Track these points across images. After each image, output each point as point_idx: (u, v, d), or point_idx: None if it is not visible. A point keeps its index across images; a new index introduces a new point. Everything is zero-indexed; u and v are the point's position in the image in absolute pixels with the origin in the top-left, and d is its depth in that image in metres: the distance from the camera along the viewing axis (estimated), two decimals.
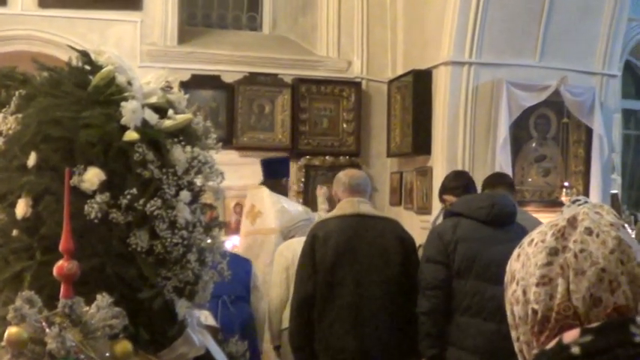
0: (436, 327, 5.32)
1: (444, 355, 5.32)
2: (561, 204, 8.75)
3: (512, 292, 1.80)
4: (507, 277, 1.83)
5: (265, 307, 6.55)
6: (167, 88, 3.64)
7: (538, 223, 6.44)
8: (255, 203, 7.91)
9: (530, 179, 9.53)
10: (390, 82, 10.21)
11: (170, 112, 3.42)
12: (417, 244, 6.02)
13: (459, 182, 6.45)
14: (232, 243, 8.52)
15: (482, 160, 9.07)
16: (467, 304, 5.29)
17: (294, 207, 7.92)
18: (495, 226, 5.44)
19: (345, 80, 10.41)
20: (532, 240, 1.79)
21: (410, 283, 5.49)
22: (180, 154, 3.27)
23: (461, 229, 5.39)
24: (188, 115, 3.47)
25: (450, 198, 6.22)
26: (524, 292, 1.74)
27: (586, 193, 9.53)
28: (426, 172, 9.32)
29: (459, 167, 8.85)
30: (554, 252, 1.71)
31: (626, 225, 5.62)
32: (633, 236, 5.97)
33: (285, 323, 6.15)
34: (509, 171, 8.84)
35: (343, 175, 5.97)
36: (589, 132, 9.62)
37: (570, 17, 9.45)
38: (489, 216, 5.42)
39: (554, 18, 9.33)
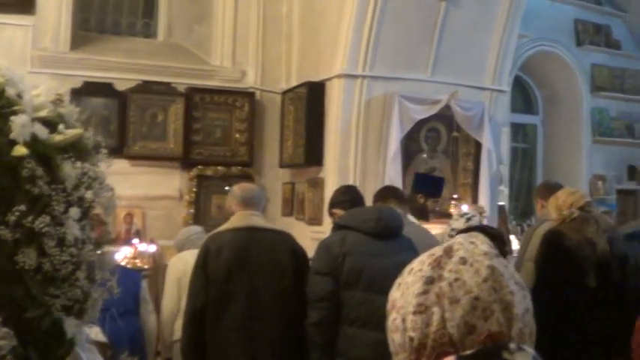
0: (324, 338, 5.38)
1: None
2: (449, 216, 8.93)
3: (392, 320, 1.86)
4: (388, 306, 1.88)
5: (155, 320, 6.54)
6: (58, 101, 3.59)
7: (426, 234, 6.60)
8: None
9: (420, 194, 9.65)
10: (284, 93, 10.27)
11: (61, 126, 3.38)
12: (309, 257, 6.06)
13: (347, 196, 6.52)
14: (123, 254, 8.48)
15: (374, 171, 9.17)
16: (355, 316, 5.36)
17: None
18: (382, 239, 5.55)
19: (238, 90, 10.42)
20: (411, 269, 1.85)
21: (302, 295, 5.53)
22: (70, 169, 3.23)
23: (349, 241, 5.47)
24: (78, 130, 3.44)
25: (338, 211, 6.28)
26: (403, 320, 1.80)
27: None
28: (317, 184, 9.38)
29: (351, 178, 8.95)
30: (430, 281, 1.77)
31: (513, 236, 5.79)
32: (518, 246, 6.14)
33: (177, 335, 6.14)
34: (399, 183, 8.97)
35: (237, 189, 6.02)
36: (478, 145, 9.83)
37: (462, 33, 9.65)
38: (376, 229, 5.52)
39: (447, 33, 9.52)
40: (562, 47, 13.95)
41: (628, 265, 6.16)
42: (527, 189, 14.63)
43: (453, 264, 1.77)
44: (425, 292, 1.77)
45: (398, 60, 9.32)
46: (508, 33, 10.07)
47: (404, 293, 1.83)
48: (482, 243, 1.84)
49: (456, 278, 1.75)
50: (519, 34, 11.07)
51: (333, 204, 6.53)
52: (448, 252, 1.81)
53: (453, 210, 9.47)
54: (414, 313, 1.77)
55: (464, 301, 1.72)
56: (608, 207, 14.22)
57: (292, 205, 10.19)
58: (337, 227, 5.71)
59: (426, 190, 8.67)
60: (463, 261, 1.77)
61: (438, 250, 1.83)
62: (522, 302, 1.79)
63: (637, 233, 7.08)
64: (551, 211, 6.21)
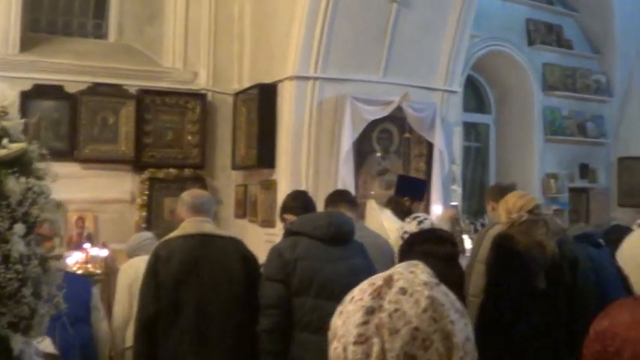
0: (276, 344, 5.35)
1: None
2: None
3: (333, 348, 1.85)
4: (330, 334, 1.88)
5: (106, 327, 6.49)
6: (2, 114, 3.55)
7: (377, 238, 6.60)
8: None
9: (373, 192, 9.68)
10: (236, 94, 10.25)
11: (5, 140, 3.35)
12: (261, 262, 6.04)
13: (298, 202, 6.51)
14: (75, 259, 8.42)
15: (326, 173, 9.18)
16: (306, 321, 5.33)
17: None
18: (334, 244, 5.54)
19: (190, 92, 10.37)
20: (352, 297, 1.85)
21: (254, 301, 5.50)
22: (14, 185, 3.20)
23: (300, 247, 5.44)
24: (23, 145, 3.40)
25: (289, 217, 6.27)
26: (344, 349, 1.79)
27: (427, 206, 9.75)
28: (270, 186, 9.37)
29: (303, 180, 8.96)
30: (370, 311, 1.77)
31: (466, 235, 5.78)
32: (470, 246, 6.16)
33: (129, 342, 6.10)
34: (351, 184, 9.01)
35: (186, 195, 5.98)
36: (430, 146, 9.89)
37: (414, 34, 9.68)
38: (327, 234, 5.50)
39: (399, 35, 9.54)
40: (514, 47, 14.05)
41: (578, 266, 6.21)
42: (480, 188, 14.72)
43: (392, 294, 1.77)
44: (365, 323, 1.76)
45: (350, 61, 9.34)
46: (460, 34, 10.13)
47: (345, 322, 1.82)
48: (422, 272, 1.84)
49: (395, 309, 1.75)
50: (471, 34, 11.14)
51: (285, 209, 6.52)
52: (388, 282, 1.81)
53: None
54: (355, 343, 1.76)
55: (403, 331, 1.72)
56: (561, 205, 14.36)
57: (245, 208, 10.17)
58: (288, 233, 5.69)
59: (410, 192, 8.68)
60: (403, 291, 1.77)
61: (378, 280, 1.83)
62: (463, 331, 1.79)
63: (586, 235, 7.16)
64: (501, 215, 6.23)
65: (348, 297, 1.88)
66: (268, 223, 9.37)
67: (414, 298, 1.76)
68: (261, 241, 9.12)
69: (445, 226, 8.60)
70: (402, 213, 7.90)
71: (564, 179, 14.76)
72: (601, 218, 15.23)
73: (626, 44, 15.13)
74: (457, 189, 12.44)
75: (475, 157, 14.95)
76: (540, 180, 14.46)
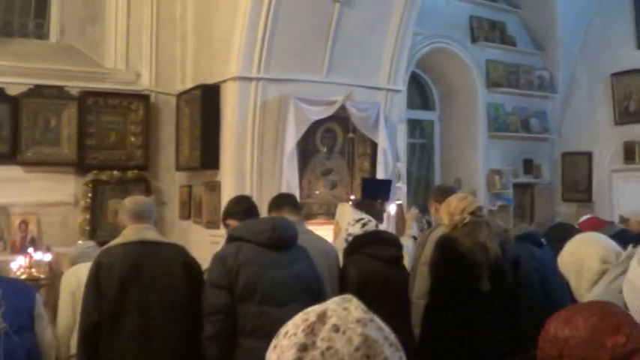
0: (221, 351, 5.33)
1: None
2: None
3: None
4: None
5: (51, 334, 6.42)
6: None
7: (321, 242, 6.60)
8: (338, 219, 7.95)
9: (317, 192, 9.71)
10: (179, 95, 10.18)
11: None
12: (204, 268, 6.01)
13: (241, 206, 6.48)
14: (18, 263, 8.34)
15: (270, 173, 9.18)
16: (251, 328, 5.32)
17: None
18: (277, 250, 5.52)
19: (133, 93, 10.26)
20: (287, 332, 1.84)
21: (197, 308, 5.48)
22: None
23: (243, 253, 5.43)
24: None
25: (232, 222, 6.24)
26: None
27: None
28: (214, 187, 9.35)
29: (247, 181, 8.96)
30: (303, 348, 1.77)
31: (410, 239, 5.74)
32: (411, 244, 6.16)
33: (73, 350, 6.05)
34: (295, 184, 9.03)
35: (128, 202, 5.94)
36: (374, 145, 9.91)
37: (357, 34, 9.70)
38: (271, 240, 5.49)
39: (341, 34, 9.55)
40: (457, 44, 14.15)
41: (520, 267, 6.27)
42: (425, 184, 14.82)
43: (325, 332, 1.76)
44: None
45: (293, 62, 9.33)
46: (403, 32, 10.16)
47: (279, 358, 1.82)
48: (356, 308, 1.83)
49: (328, 347, 1.74)
50: (415, 31, 11.20)
51: (227, 215, 6.48)
52: (322, 318, 1.80)
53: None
54: None
55: None
56: (505, 201, 14.50)
57: (190, 209, 10.13)
58: (231, 239, 5.67)
59: (376, 193, 8.68)
60: (336, 329, 1.76)
61: (312, 315, 1.82)
62: None
63: (529, 234, 7.23)
64: (443, 217, 6.27)
65: (282, 330, 1.87)
66: (213, 225, 9.33)
67: (346, 336, 1.75)
68: (206, 242, 9.11)
69: (413, 226, 8.67)
70: (377, 215, 7.95)
71: (509, 175, 14.90)
72: (546, 213, 15.41)
73: (568, 41, 15.30)
74: (402, 186, 12.50)
75: (420, 153, 15.03)
76: (485, 176, 14.59)
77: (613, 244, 4.47)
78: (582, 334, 2.43)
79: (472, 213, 6.11)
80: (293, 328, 1.83)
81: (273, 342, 1.88)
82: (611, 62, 14.63)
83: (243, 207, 6.47)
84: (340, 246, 6.94)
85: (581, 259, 4.37)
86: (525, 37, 15.45)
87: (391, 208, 9.93)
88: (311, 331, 1.78)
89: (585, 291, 4.26)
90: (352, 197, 9.68)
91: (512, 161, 15.11)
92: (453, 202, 6.22)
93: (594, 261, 4.29)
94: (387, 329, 1.85)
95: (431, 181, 15.00)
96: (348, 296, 1.89)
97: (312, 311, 1.84)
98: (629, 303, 3.26)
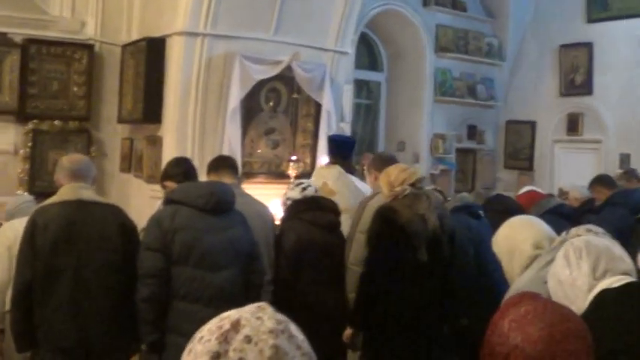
0: (155, 314, 5.33)
1: (164, 340, 5.34)
2: (288, 177, 8.98)
3: None
4: None
5: None
6: None
7: (258, 206, 6.61)
8: (327, 181, 7.86)
9: (259, 151, 9.67)
10: (124, 46, 10.02)
11: None
12: (140, 228, 5.97)
13: (179, 168, 6.43)
14: None
15: (213, 130, 9.11)
16: (185, 291, 5.33)
17: (364, 187, 7.99)
18: (214, 214, 5.52)
19: (77, 42, 10.02)
20: (202, 337, 1.83)
21: (132, 270, 5.45)
22: None
23: (179, 217, 5.42)
24: None
25: (170, 184, 6.21)
26: None
27: (313, 166, 9.79)
28: (156, 141, 9.25)
29: (189, 137, 8.92)
30: (216, 356, 1.76)
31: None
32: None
33: (8, 305, 5.99)
34: (238, 142, 9.01)
35: (65, 161, 5.85)
36: (318, 106, 9.88)
37: None
38: (208, 205, 5.48)
39: None
40: (408, 7, 14.13)
41: (456, 240, 6.32)
42: (369, 145, 14.85)
43: (238, 342, 1.76)
44: None
45: (241, 19, 9.20)
46: None
47: None
48: (270, 318, 1.83)
49: (239, 358, 1.74)
50: None
51: (166, 176, 6.43)
52: (235, 326, 1.80)
53: (291, 170, 9.53)
54: None
55: None
56: (448, 165, 14.59)
57: (130, 162, 10.03)
58: (168, 201, 5.64)
59: (341, 152, 8.58)
60: (248, 339, 1.76)
61: (226, 322, 1.82)
62: None
63: (467, 206, 7.30)
64: (383, 187, 6.28)
65: (197, 335, 1.86)
66: (153, 179, 9.20)
67: (258, 348, 1.75)
68: (146, 196, 9.06)
69: None
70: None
71: (452, 140, 15.00)
72: (487, 179, 15.58)
73: (519, 10, 15.39)
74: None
75: (365, 114, 15.06)
76: (429, 140, 14.65)
77: (548, 230, 4.51)
78: (533, 348, 2.43)
79: (412, 184, 6.13)
80: (207, 334, 1.83)
81: (189, 346, 1.88)
82: (561, 34, 14.72)
83: (181, 169, 6.42)
84: (284, 205, 6.97)
85: (515, 242, 4.40)
86: (477, 4, 15.47)
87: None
88: (224, 339, 1.78)
89: (517, 275, 4.30)
90: (294, 158, 9.67)
91: (456, 126, 15.19)
92: (394, 172, 6.22)
93: (527, 245, 4.32)
94: (300, 337, 1.86)
95: (375, 142, 15.06)
96: (262, 304, 1.90)
97: (227, 317, 1.84)
98: (553, 296, 3.29)
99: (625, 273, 3.19)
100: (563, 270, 3.24)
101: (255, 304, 1.89)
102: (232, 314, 1.85)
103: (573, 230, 4.81)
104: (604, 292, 3.07)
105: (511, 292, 4.12)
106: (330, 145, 8.79)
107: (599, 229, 4.80)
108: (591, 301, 3.07)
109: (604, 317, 2.97)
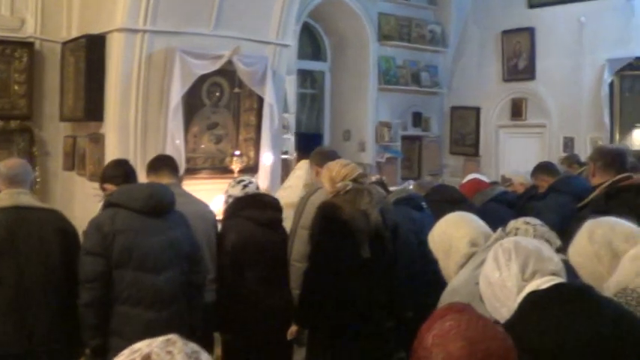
0: (97, 318, 5.31)
1: (108, 344, 5.32)
2: (232, 172, 8.98)
3: None
4: None
5: None
6: None
7: (199, 205, 6.63)
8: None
9: (202, 146, 9.65)
10: (65, 44, 9.92)
11: None
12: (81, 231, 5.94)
13: (118, 171, 6.34)
14: None
15: (155, 127, 9.08)
16: (126, 295, 5.33)
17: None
18: (154, 216, 5.51)
19: (17, 40, 9.85)
20: None
21: (73, 275, 5.43)
22: None
23: (119, 220, 5.39)
24: None
25: (110, 187, 6.15)
26: None
27: (257, 160, 9.80)
28: (98, 139, 9.18)
29: (132, 134, 8.89)
30: None
31: None
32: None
33: None
34: (180, 138, 9.00)
35: (1, 166, 5.79)
36: (260, 100, 9.87)
37: None
38: (147, 207, 5.47)
39: None
40: None
41: (399, 234, 6.36)
42: (315, 135, 14.86)
43: None
44: None
45: (180, 14, 9.15)
46: None
47: None
48: (179, 352, 1.84)
49: None
50: None
51: (105, 179, 6.33)
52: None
53: (234, 165, 9.54)
54: None
55: None
56: (393, 153, 14.65)
57: (74, 160, 9.94)
58: (108, 205, 5.62)
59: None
60: None
61: (137, 356, 1.82)
62: None
63: (409, 197, 7.36)
64: (324, 182, 6.29)
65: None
66: (97, 177, 9.03)
67: None
68: (90, 194, 8.98)
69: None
70: None
71: (397, 128, 15.08)
72: (433, 166, 15.69)
73: None
74: (290, 137, 12.57)
75: (310, 103, 15.10)
76: (374, 128, 14.71)
77: (483, 227, 4.52)
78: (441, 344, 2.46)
79: (354, 180, 6.15)
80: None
81: None
82: (503, 19, 14.84)
83: (120, 171, 6.35)
84: (225, 202, 6.99)
85: (451, 240, 4.41)
86: None
87: (266, 159, 9.93)
88: None
89: (453, 272, 4.32)
90: (237, 153, 9.67)
91: (401, 114, 15.27)
92: (335, 168, 6.24)
93: (463, 243, 4.33)
94: None
95: (321, 132, 15.09)
96: (173, 338, 1.90)
97: (138, 351, 1.84)
98: (484, 298, 3.33)
99: (554, 273, 3.22)
100: (492, 272, 3.28)
101: (166, 337, 1.89)
102: (143, 348, 1.85)
103: (512, 223, 4.89)
104: (532, 294, 3.11)
105: (447, 292, 4.17)
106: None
107: (537, 221, 4.87)
108: (520, 303, 3.11)
109: (532, 319, 3.01)
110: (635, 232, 3.72)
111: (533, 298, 3.08)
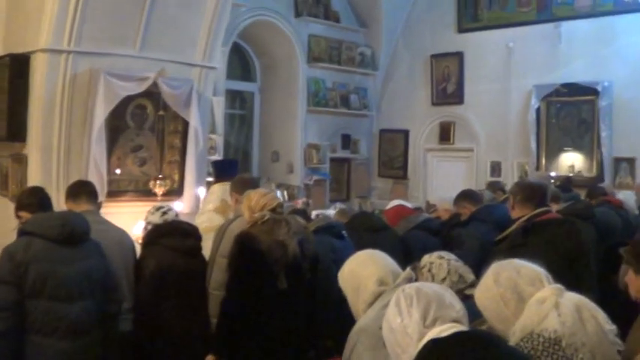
0: (10, 348, 5.20)
1: None
2: (155, 194, 8.92)
3: None
4: None
5: None
6: None
7: (116, 233, 6.59)
8: (225, 198, 7.91)
9: (126, 168, 9.56)
10: None
11: None
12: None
13: (33, 199, 6.27)
14: None
15: (78, 149, 8.99)
16: (40, 324, 5.25)
17: None
18: (68, 245, 5.44)
19: None
20: None
21: None
22: None
23: (33, 249, 5.31)
24: None
25: (25, 215, 6.08)
26: None
27: (181, 183, 9.77)
28: (21, 160, 9.07)
29: (54, 156, 8.81)
30: None
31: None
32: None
33: None
34: (103, 161, 8.94)
35: None
36: (186, 123, 9.84)
37: (172, 8, 9.59)
38: (62, 235, 5.39)
39: (157, 9, 9.41)
40: (280, 17, 14.23)
41: (318, 265, 6.35)
42: (244, 155, 14.88)
43: None
44: None
45: (105, 35, 9.10)
46: (220, 9, 10.08)
47: None
48: None
49: None
50: (237, 3, 11.18)
51: (20, 206, 6.26)
52: None
53: (157, 189, 9.49)
54: None
55: None
56: (322, 175, 14.69)
57: None
58: (22, 233, 5.54)
59: (226, 173, 8.56)
60: None
61: None
62: None
63: (330, 226, 7.35)
64: (244, 211, 6.29)
65: None
66: None
67: None
68: (12, 216, 8.86)
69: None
70: None
71: (326, 149, 15.12)
72: (362, 188, 15.75)
73: (391, 19, 15.63)
74: (218, 158, 12.53)
75: (240, 124, 15.09)
76: (302, 150, 14.74)
77: (392, 265, 4.49)
78: None
79: (272, 210, 6.16)
80: None
81: None
82: (432, 44, 15.03)
83: (36, 199, 6.28)
84: (145, 229, 6.94)
85: (359, 278, 4.38)
86: (349, 14, 15.66)
87: (190, 182, 9.92)
88: None
89: (362, 311, 4.30)
90: (160, 176, 9.62)
91: (330, 136, 15.35)
92: (254, 197, 6.24)
93: (371, 282, 4.30)
94: None
95: (249, 153, 15.08)
96: None
97: None
98: (387, 343, 3.33)
99: (455, 320, 3.24)
100: (394, 318, 3.28)
101: None
102: None
103: (426, 257, 4.91)
104: (432, 342, 3.11)
105: (354, 331, 4.16)
106: (216, 170, 9.02)
107: (451, 256, 4.91)
108: (419, 351, 3.11)
109: None
110: (540, 275, 3.73)
111: (433, 345, 3.08)
